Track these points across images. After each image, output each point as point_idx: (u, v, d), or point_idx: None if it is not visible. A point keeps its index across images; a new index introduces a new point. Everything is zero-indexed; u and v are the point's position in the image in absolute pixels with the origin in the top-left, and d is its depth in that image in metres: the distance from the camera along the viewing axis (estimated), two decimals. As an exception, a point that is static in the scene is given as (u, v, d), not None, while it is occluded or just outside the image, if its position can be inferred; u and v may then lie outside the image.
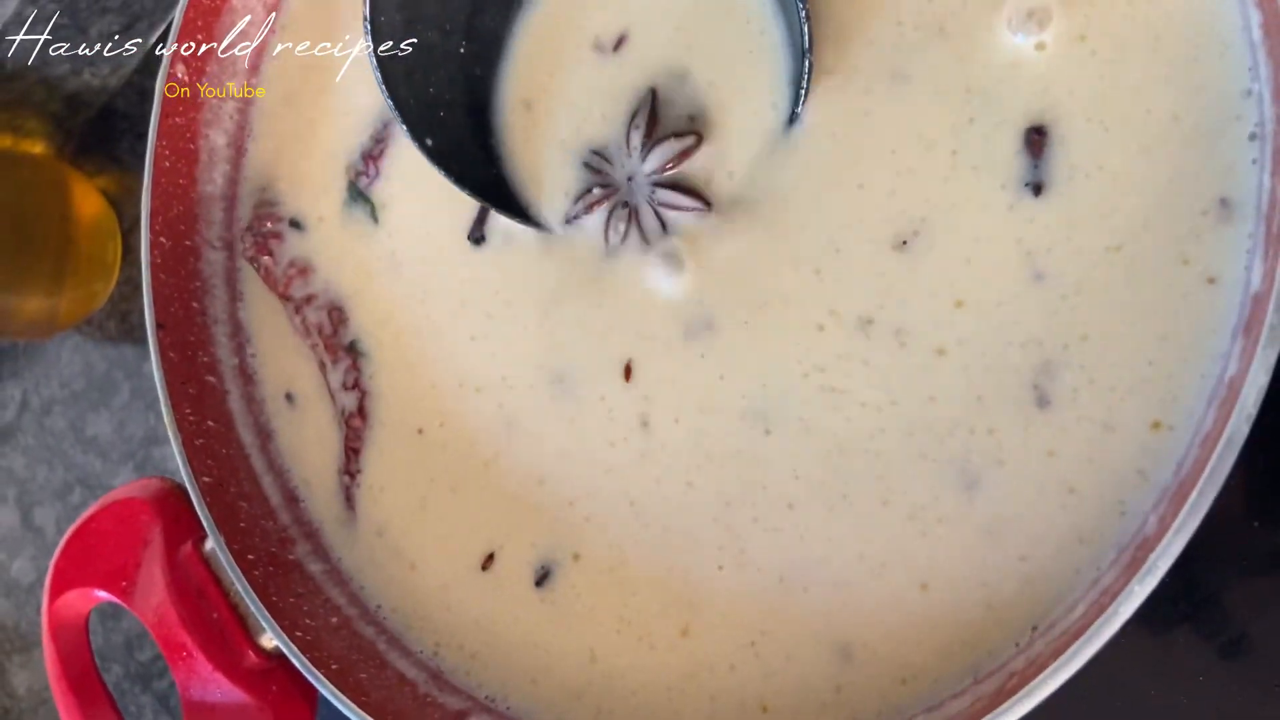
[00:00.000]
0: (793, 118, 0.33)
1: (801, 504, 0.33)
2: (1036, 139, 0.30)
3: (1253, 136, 0.28)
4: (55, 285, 0.54)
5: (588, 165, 0.37)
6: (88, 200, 0.55)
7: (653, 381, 0.35)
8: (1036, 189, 0.31)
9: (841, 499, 0.32)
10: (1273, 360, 0.25)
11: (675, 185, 0.35)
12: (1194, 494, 0.25)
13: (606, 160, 0.36)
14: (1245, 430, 0.25)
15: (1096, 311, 0.30)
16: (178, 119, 0.41)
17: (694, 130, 0.35)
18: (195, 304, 0.40)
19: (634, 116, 0.36)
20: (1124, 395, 0.29)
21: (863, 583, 0.32)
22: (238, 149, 0.42)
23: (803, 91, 0.33)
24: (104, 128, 0.57)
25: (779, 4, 0.34)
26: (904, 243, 0.32)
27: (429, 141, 0.36)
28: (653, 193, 0.35)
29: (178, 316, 0.40)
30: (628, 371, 0.36)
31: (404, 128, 0.35)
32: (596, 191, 0.36)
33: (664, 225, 0.35)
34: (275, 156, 0.42)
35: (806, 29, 0.31)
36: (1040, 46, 0.31)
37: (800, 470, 0.33)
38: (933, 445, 0.31)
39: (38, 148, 0.57)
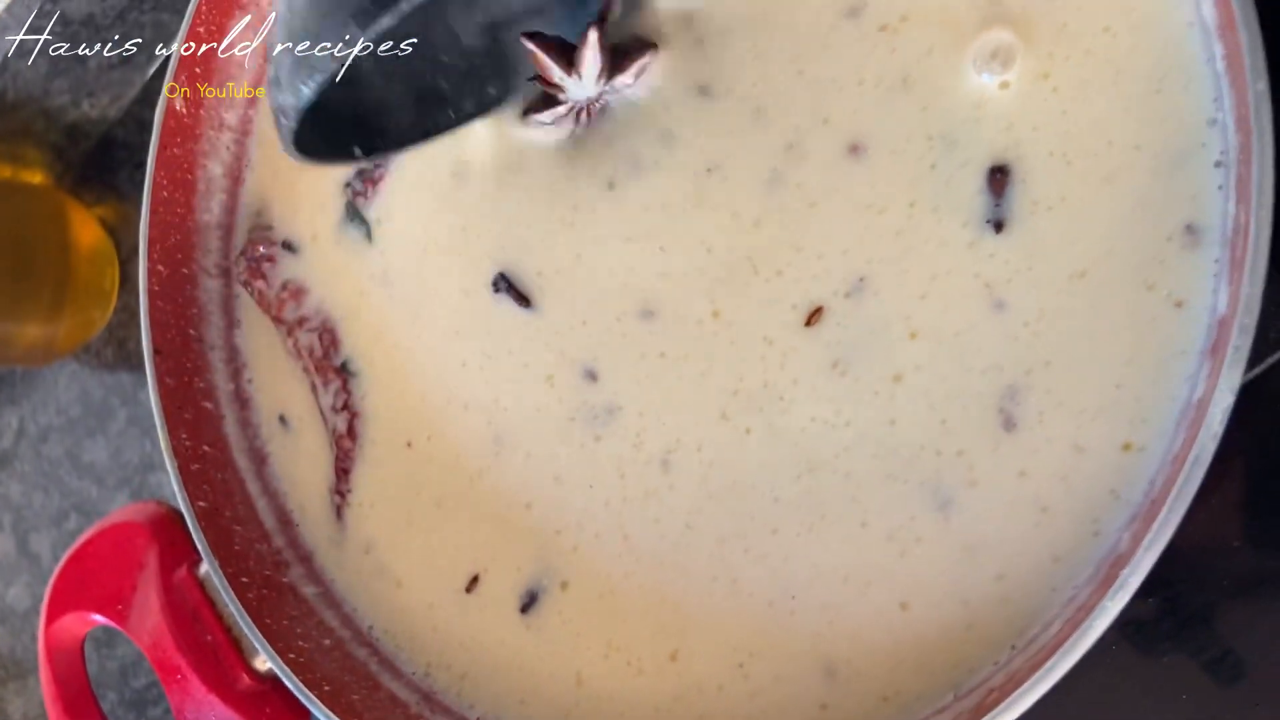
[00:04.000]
0: None
1: (784, 528, 0.33)
2: (999, 178, 0.31)
3: (1218, 164, 0.28)
4: (53, 313, 0.54)
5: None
6: (86, 229, 0.56)
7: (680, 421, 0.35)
8: (998, 226, 0.31)
9: (820, 520, 0.32)
10: (1237, 380, 0.25)
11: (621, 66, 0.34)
12: (1164, 511, 0.26)
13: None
14: (1212, 448, 0.25)
15: (1060, 338, 0.30)
16: (176, 149, 0.41)
17: (649, 42, 0.34)
18: (192, 330, 0.41)
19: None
20: (1092, 417, 0.29)
21: (847, 603, 0.32)
22: (235, 178, 0.43)
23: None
24: (103, 158, 0.58)
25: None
26: (847, 295, 0.32)
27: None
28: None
29: (175, 343, 0.40)
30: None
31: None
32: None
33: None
34: (271, 179, 0.43)
35: None
36: (1004, 85, 0.31)
37: (779, 493, 0.33)
38: (900, 467, 0.31)
39: (37, 177, 0.57)
